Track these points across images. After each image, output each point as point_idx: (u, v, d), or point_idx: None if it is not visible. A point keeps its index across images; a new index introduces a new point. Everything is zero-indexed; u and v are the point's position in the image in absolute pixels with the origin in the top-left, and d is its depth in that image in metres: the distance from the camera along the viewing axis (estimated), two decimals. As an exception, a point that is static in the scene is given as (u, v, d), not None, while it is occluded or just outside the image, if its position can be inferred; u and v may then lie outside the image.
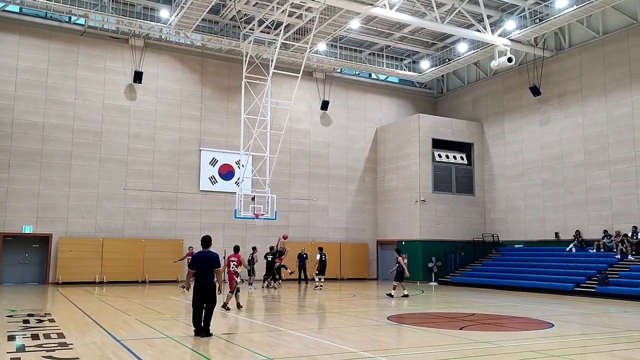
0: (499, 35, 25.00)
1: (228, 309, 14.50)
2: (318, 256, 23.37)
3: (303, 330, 11.76)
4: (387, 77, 33.46)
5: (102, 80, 25.99)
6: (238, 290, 14.85)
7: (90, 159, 25.33)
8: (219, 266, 10.52)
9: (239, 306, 14.92)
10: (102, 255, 24.71)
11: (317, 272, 23.28)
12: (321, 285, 22.99)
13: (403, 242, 29.45)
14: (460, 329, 11.89)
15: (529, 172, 28.01)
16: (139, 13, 25.04)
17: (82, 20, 25.50)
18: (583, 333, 12.07)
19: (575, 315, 15.27)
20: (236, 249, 15.64)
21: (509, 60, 24.14)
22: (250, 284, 22.59)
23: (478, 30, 25.00)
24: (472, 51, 28.13)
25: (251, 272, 22.52)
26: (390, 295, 19.35)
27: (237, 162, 27.57)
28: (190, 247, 22.61)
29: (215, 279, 10.46)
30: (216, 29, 27.03)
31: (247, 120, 25.50)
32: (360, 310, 16.22)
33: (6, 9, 24.35)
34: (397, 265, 19.67)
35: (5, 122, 23.86)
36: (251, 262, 22.35)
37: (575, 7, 23.03)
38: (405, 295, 19.32)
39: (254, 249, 23.00)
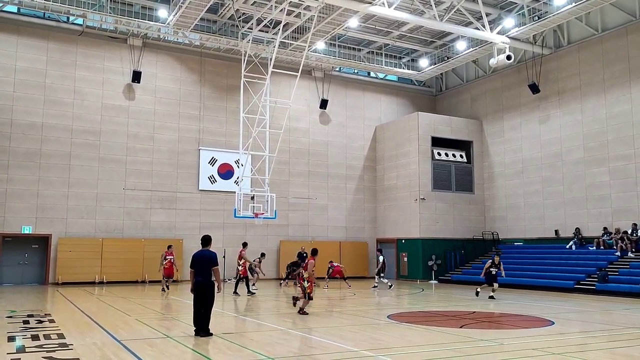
0: (498, 33, 24.96)
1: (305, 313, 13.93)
2: (381, 258, 22.95)
3: (303, 329, 11.75)
4: (385, 76, 33.44)
5: (101, 80, 25.96)
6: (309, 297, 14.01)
7: (89, 159, 25.30)
8: (216, 265, 10.47)
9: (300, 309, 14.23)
10: (102, 256, 24.70)
11: (379, 272, 22.70)
12: (390, 285, 23.10)
13: (403, 241, 29.48)
14: (461, 327, 11.89)
15: (528, 169, 28.01)
16: (137, 13, 25.02)
17: (80, 20, 25.46)
18: (583, 330, 12.06)
19: (576, 313, 15.27)
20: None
21: (508, 58, 24.12)
22: (252, 284, 21.91)
23: (477, 28, 24.97)
24: (471, 49, 28.12)
25: (253, 273, 21.69)
26: (492, 297, 18.68)
27: (237, 162, 27.56)
28: (170, 245, 21.71)
29: (213, 278, 10.43)
30: (214, 28, 27.01)
31: (246, 119, 25.48)
32: (361, 309, 16.21)
33: (4, 9, 24.31)
34: (495, 268, 18.90)
35: (3, 123, 23.82)
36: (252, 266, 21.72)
37: (573, 4, 23.01)
38: (491, 297, 18.65)
39: (263, 255, 22.36)
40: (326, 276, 24.61)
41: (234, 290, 19.94)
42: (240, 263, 19.96)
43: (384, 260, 23.07)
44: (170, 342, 9.79)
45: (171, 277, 21.12)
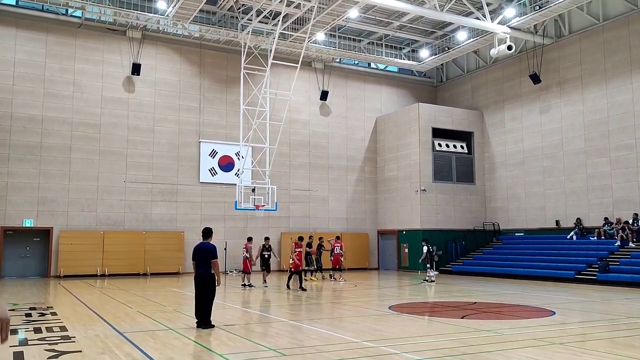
0: (499, 23, 24.86)
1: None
2: (425, 248, 21.94)
3: (305, 321, 11.78)
4: (386, 67, 33.32)
5: (100, 73, 25.89)
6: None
7: (89, 151, 25.29)
8: (215, 257, 10.47)
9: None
10: (103, 248, 24.75)
11: (428, 265, 21.87)
12: (433, 279, 21.65)
13: (404, 232, 29.49)
14: (462, 317, 11.91)
15: (529, 160, 27.98)
16: (136, 4, 24.89)
17: (79, 13, 25.36)
18: (584, 320, 12.08)
19: (577, 303, 15.29)
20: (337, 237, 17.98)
21: (509, 48, 24.04)
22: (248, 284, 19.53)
23: (477, 18, 24.86)
24: (472, 39, 27.99)
25: (250, 268, 19.64)
26: None
27: (237, 154, 27.53)
28: (250, 237, 20.45)
29: (212, 270, 10.43)
30: (214, 20, 26.89)
31: (246, 111, 25.44)
32: (362, 300, 16.24)
33: (3, 1, 24.20)
34: None
35: (3, 116, 23.79)
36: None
37: (575, -7, 22.88)
38: None
39: (249, 239, 20.44)
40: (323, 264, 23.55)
41: (299, 285, 18.21)
42: (292, 257, 18.58)
43: (428, 250, 21.92)
44: (172, 334, 9.81)
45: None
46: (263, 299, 16.61)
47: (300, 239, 19.59)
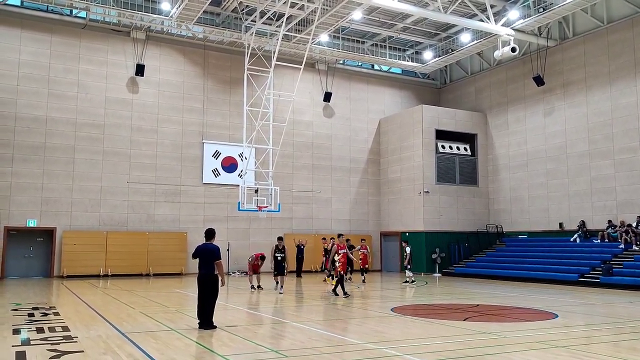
0: (503, 25, 24.83)
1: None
2: (408, 249, 22.11)
3: (307, 322, 11.77)
4: (389, 68, 33.32)
5: (104, 74, 25.95)
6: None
7: (93, 152, 25.34)
8: (218, 258, 10.47)
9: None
10: (106, 249, 24.79)
11: (408, 266, 21.99)
12: (413, 279, 22.01)
13: (407, 234, 29.44)
14: (465, 320, 11.88)
15: (532, 162, 27.92)
16: (140, 5, 24.94)
17: (83, 13, 25.43)
18: (587, 323, 12.04)
19: (580, 306, 15.25)
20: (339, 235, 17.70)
21: (513, 50, 23.99)
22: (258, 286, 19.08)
23: (481, 20, 24.85)
24: (476, 41, 27.97)
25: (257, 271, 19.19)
26: None
27: (240, 155, 27.55)
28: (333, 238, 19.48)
29: (216, 271, 10.45)
30: (218, 21, 26.93)
31: (249, 112, 25.46)
32: (364, 301, 16.22)
33: (7, 2, 24.29)
34: None
35: (7, 116, 23.86)
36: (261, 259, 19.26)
37: (579, -5, 22.84)
38: None
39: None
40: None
41: (343, 292, 16.62)
42: (337, 259, 16.88)
43: (411, 251, 22.12)
44: (174, 334, 9.82)
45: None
46: (265, 300, 16.60)
47: (340, 236, 17.77)
